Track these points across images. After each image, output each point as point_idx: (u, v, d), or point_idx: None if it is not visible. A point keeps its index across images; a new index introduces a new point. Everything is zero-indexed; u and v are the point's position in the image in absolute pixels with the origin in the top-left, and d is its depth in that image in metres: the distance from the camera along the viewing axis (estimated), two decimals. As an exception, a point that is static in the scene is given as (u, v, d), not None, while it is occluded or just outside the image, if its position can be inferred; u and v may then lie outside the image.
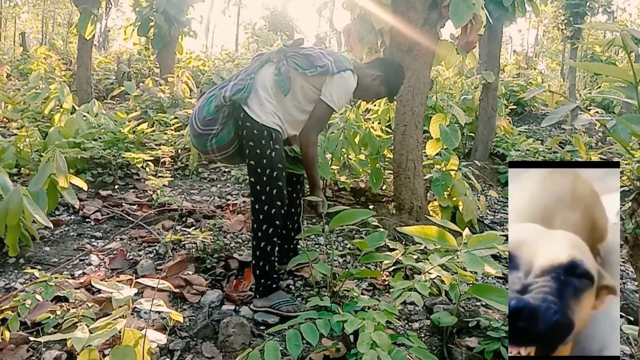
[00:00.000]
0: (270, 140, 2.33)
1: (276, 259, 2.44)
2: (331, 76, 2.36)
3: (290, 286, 2.73)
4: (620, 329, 2.41)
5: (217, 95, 2.39)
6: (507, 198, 5.03)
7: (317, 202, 2.52)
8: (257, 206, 2.36)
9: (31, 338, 1.98)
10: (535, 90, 1.79)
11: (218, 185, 4.63)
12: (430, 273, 2.07)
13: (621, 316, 2.68)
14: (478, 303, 2.59)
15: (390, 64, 2.68)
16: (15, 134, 4.55)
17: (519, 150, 5.84)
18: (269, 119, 2.34)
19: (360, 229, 3.40)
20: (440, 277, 2.19)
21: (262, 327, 2.29)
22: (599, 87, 11.10)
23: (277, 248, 2.44)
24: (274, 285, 2.42)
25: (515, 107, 8.83)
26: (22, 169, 4.10)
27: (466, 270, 2.04)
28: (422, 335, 2.30)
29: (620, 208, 1.54)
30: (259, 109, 2.33)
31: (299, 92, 2.42)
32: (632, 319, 2.62)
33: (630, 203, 1.58)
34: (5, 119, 6.04)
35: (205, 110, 2.39)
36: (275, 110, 2.37)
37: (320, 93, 2.40)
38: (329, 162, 4.02)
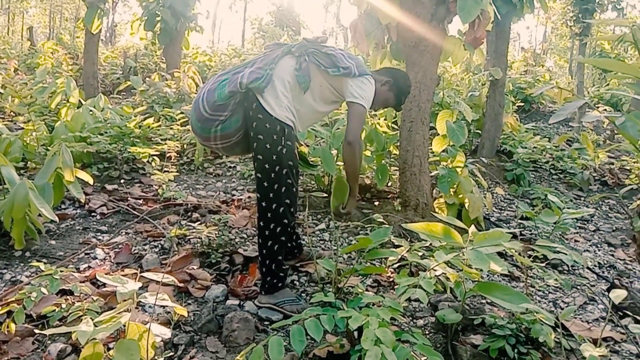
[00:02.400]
0: (283, 136, 2.25)
1: (283, 257, 2.40)
2: (352, 79, 2.32)
3: (295, 282, 2.73)
4: (627, 328, 2.40)
5: (230, 80, 2.28)
6: (513, 195, 5.00)
7: (348, 210, 2.49)
8: (263, 204, 2.29)
9: (36, 331, 1.99)
10: (544, 87, 1.77)
11: (223, 181, 4.63)
12: (435, 270, 2.06)
13: (627, 315, 2.66)
14: (483, 300, 2.58)
15: (398, 72, 2.68)
16: (22, 128, 4.58)
17: (526, 148, 5.80)
18: (283, 113, 2.27)
19: (365, 225, 3.39)
20: (445, 274, 2.18)
21: (266, 323, 2.29)
22: (608, 84, 11.01)
23: (285, 246, 2.40)
24: (280, 284, 2.39)
25: (522, 104, 8.77)
26: (29, 162, 4.12)
27: (472, 268, 2.03)
28: (427, 332, 2.30)
29: (629, 206, 1.53)
30: (274, 102, 2.25)
31: (317, 90, 2.37)
32: (639, 318, 2.60)
33: (638, 201, 1.57)
34: (12, 113, 6.07)
35: (217, 94, 2.27)
36: (289, 105, 2.30)
37: (337, 94, 2.39)
38: (335, 158, 4.01)
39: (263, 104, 2.24)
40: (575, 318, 2.67)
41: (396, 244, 2.65)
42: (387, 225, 2.96)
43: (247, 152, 2.52)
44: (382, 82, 2.55)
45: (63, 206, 3.56)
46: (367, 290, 2.65)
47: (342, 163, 2.45)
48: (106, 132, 4.67)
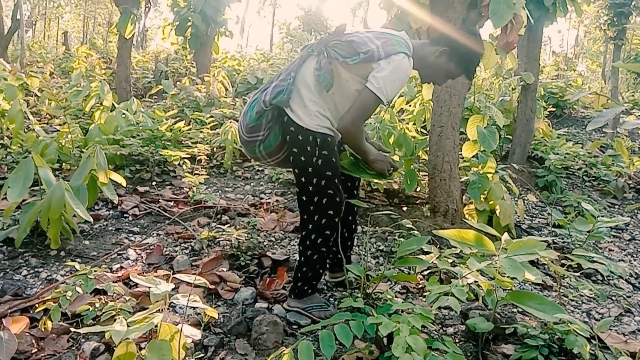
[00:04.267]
0: (317, 147, 2.12)
1: (323, 268, 2.34)
2: (377, 62, 2.06)
3: (323, 286, 2.72)
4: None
5: (259, 99, 2.21)
6: (545, 202, 4.91)
7: (383, 160, 2.26)
8: (305, 216, 2.23)
9: (71, 329, 2.03)
10: (581, 93, 1.73)
11: (252, 184, 4.66)
12: (467, 278, 2.03)
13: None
14: (515, 310, 2.52)
15: (456, 35, 2.25)
16: (58, 130, 4.70)
17: (558, 154, 5.68)
18: (314, 122, 2.12)
19: (394, 231, 3.37)
20: (477, 282, 2.15)
21: (294, 327, 2.30)
22: (643, 89, 10.72)
23: (327, 257, 2.33)
24: (310, 290, 2.36)
25: (554, 109, 8.60)
26: (64, 164, 4.23)
27: (504, 276, 2.00)
28: (457, 340, 2.26)
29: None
30: (302, 112, 2.13)
31: (346, 85, 2.13)
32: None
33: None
34: (48, 116, 6.24)
35: (248, 117, 2.23)
36: (321, 111, 2.14)
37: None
38: (363, 163, 4.00)
39: (292, 116, 2.13)
40: (611, 330, 2.59)
41: (425, 250, 2.63)
42: (415, 231, 2.95)
43: None
44: (436, 53, 2.22)
45: (97, 207, 3.64)
46: (395, 296, 2.63)
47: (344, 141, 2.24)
48: (138, 135, 4.76)
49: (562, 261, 3.19)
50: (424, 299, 2.34)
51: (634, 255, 3.91)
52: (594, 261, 2.23)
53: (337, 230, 2.28)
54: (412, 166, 4.05)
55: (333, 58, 2.12)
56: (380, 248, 3.29)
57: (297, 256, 3.02)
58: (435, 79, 2.36)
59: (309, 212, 2.21)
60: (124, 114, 4.97)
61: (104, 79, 7.21)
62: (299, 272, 2.32)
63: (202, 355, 1.99)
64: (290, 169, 2.33)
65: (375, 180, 2.49)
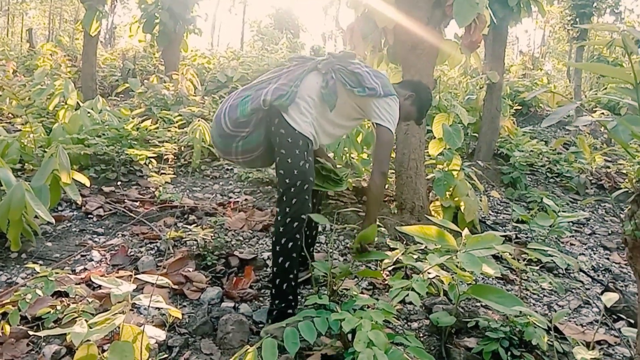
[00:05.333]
0: (305, 151, 2.23)
1: (295, 279, 2.30)
2: (378, 99, 2.30)
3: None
4: (620, 332, 2.41)
5: (253, 96, 2.27)
6: (509, 199, 5.02)
7: (369, 243, 2.37)
8: (279, 217, 2.25)
9: (31, 332, 1.99)
10: (537, 91, 1.78)
11: (221, 183, 4.64)
12: (429, 272, 2.07)
13: (621, 318, 2.68)
14: (477, 303, 2.58)
15: (420, 85, 2.66)
16: (20, 130, 4.58)
17: (522, 151, 5.82)
18: (307, 127, 2.25)
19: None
20: (439, 277, 2.19)
21: (260, 325, 2.30)
22: (605, 88, 11.04)
23: (296, 267, 2.29)
24: (289, 310, 2.27)
25: (520, 107, 8.78)
26: (26, 164, 4.12)
27: (465, 271, 2.04)
28: (421, 334, 2.30)
29: (620, 210, 1.54)
30: (297, 117, 2.24)
31: (340, 107, 2.33)
32: (632, 321, 2.61)
33: (630, 205, 1.58)
34: (10, 115, 6.08)
35: (239, 110, 2.27)
36: (313, 121, 2.29)
37: (360, 111, 2.37)
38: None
39: (287, 119, 2.22)
40: (570, 321, 2.68)
41: (392, 246, 2.66)
42: (382, 228, 2.98)
43: (267, 165, 2.54)
44: (405, 96, 2.53)
45: (60, 208, 3.57)
46: (362, 292, 2.66)
47: (368, 189, 2.41)
48: (104, 134, 4.68)
49: (524, 255, 3.27)
50: (389, 295, 2.37)
51: (594, 249, 4.04)
52: (550, 255, 2.29)
53: (303, 236, 2.32)
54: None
55: (340, 82, 2.31)
56: (348, 245, 3.31)
57: (265, 255, 3.04)
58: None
59: (285, 213, 2.23)
60: (88, 112, 4.88)
61: (69, 77, 7.06)
62: (274, 286, 2.28)
63: (166, 355, 1.97)
64: (253, 167, 2.40)
65: (324, 189, 2.64)
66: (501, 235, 1.98)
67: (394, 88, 2.46)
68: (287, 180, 2.22)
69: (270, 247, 2.33)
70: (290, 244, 2.24)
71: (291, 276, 2.28)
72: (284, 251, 2.24)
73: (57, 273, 2.22)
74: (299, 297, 2.38)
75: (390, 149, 2.42)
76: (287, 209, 2.22)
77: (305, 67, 2.37)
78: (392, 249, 2.65)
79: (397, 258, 2.42)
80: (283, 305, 2.27)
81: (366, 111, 2.36)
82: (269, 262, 2.95)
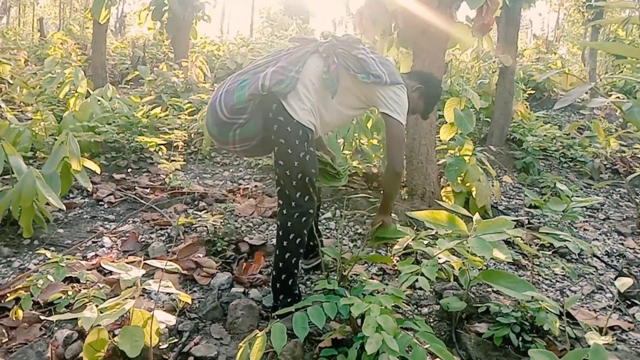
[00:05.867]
0: (306, 141, 2.10)
1: (299, 271, 2.25)
2: (383, 88, 2.17)
3: (301, 269, 2.73)
4: (634, 317, 2.38)
5: (251, 81, 2.12)
6: (522, 184, 4.96)
7: (385, 224, 2.34)
8: (284, 211, 2.16)
9: (43, 317, 2.01)
10: (549, 72, 1.73)
11: (230, 170, 4.64)
12: (439, 258, 2.05)
13: (635, 304, 2.65)
14: (488, 289, 2.56)
15: (429, 77, 2.52)
16: (31, 118, 4.61)
17: (536, 136, 5.74)
18: (306, 116, 2.11)
19: (371, 214, 3.38)
20: (450, 262, 2.17)
21: (269, 310, 2.30)
22: (621, 71, 10.84)
23: (300, 259, 2.24)
24: (290, 300, 2.21)
25: (533, 92, 8.65)
26: (37, 152, 4.15)
27: (476, 256, 2.02)
28: (431, 320, 2.29)
29: (635, 195, 1.50)
30: (296, 104, 2.09)
31: (343, 93, 2.20)
32: (646, 306, 2.58)
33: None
34: (21, 103, 6.11)
35: (236, 96, 2.11)
36: (312, 108, 2.14)
37: (364, 100, 2.25)
38: (342, 147, 4.00)
39: (285, 106, 2.08)
40: (583, 307, 2.65)
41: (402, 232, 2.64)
42: (393, 214, 2.96)
43: (267, 153, 2.43)
44: (413, 88, 2.39)
45: (71, 195, 3.59)
46: (372, 278, 2.65)
47: (384, 184, 2.33)
48: (114, 122, 4.70)
49: (537, 241, 3.24)
50: (398, 280, 2.36)
51: (608, 234, 3.98)
52: (562, 239, 2.26)
53: (312, 230, 2.25)
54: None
55: (342, 67, 2.17)
56: (358, 231, 3.30)
57: (274, 241, 3.03)
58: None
59: (289, 207, 2.15)
60: (99, 100, 4.89)
61: (79, 66, 7.05)
62: (277, 281, 2.22)
63: (176, 340, 1.98)
64: (251, 157, 2.31)
65: (332, 185, 2.60)
66: (513, 221, 1.96)
67: (403, 78, 2.34)
68: (287, 172, 2.12)
69: (275, 239, 2.23)
70: (298, 239, 2.17)
71: (295, 271, 2.22)
72: (291, 247, 2.17)
73: (68, 259, 2.24)
74: (309, 281, 2.38)
75: (403, 144, 2.27)
76: (293, 204, 2.14)
77: (307, 49, 2.23)
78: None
79: (408, 244, 2.41)
80: (289, 300, 2.19)
81: (372, 100, 2.23)
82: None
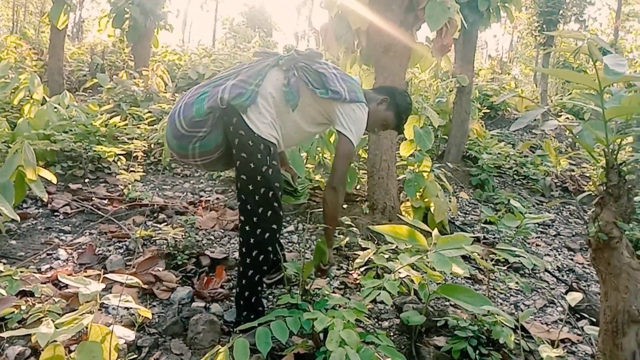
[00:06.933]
0: (268, 155, 2.07)
1: (262, 287, 2.22)
2: (342, 104, 2.15)
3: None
4: (583, 330, 2.48)
5: (210, 94, 2.10)
6: (477, 200, 5.12)
7: (328, 266, 2.35)
8: (247, 228, 2.10)
9: (-6, 333, 1.93)
10: (506, 95, 1.82)
11: (191, 181, 4.59)
12: (400, 272, 2.09)
13: (584, 317, 2.76)
14: (447, 303, 2.63)
15: (395, 89, 2.49)
16: (-18, 124, 4.43)
17: (490, 154, 5.95)
18: (267, 130, 2.09)
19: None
20: (410, 276, 2.22)
21: (232, 325, 2.28)
22: (570, 93, 11.36)
23: (264, 275, 2.21)
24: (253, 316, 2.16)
25: (488, 110, 8.97)
26: (-11, 160, 3.99)
27: (435, 270, 2.07)
28: (392, 333, 2.33)
29: (584, 213, 1.59)
30: (256, 118, 2.07)
31: (304, 108, 2.18)
32: (594, 320, 2.70)
33: (594, 207, 1.63)
34: (-29, 109, 5.86)
35: (194, 109, 2.09)
36: (273, 122, 2.12)
37: (325, 116, 2.22)
38: (304, 161, 4.02)
39: (246, 121, 2.06)
40: (535, 320, 2.75)
41: (363, 246, 2.68)
42: (354, 228, 3.01)
43: (229, 167, 2.40)
44: (378, 100, 2.36)
45: (25, 205, 3.47)
46: (334, 292, 2.67)
47: (323, 202, 2.27)
48: (71, 130, 4.57)
49: (492, 256, 3.34)
50: (360, 294, 2.39)
51: (559, 250, 4.15)
52: (517, 255, 2.35)
53: (275, 246, 2.19)
54: (352, 165, 4.11)
55: (302, 81, 2.15)
56: (320, 245, 3.32)
57: (236, 254, 3.02)
58: (373, 126, 2.39)
59: (252, 224, 2.10)
60: (55, 108, 4.75)
61: (35, 71, 6.86)
62: (241, 298, 2.19)
63: (135, 356, 1.94)
64: (214, 171, 2.28)
65: (292, 202, 2.61)
66: (470, 236, 2.02)
67: (368, 93, 2.36)
68: (250, 187, 2.07)
69: (239, 255, 2.19)
70: (262, 256, 2.12)
71: (259, 288, 2.19)
72: (255, 264, 2.12)
73: (22, 272, 2.17)
74: (271, 296, 2.37)
75: (347, 162, 2.23)
76: (255, 219, 2.08)
77: (267, 62, 2.21)
78: (364, 249, 2.67)
79: (369, 258, 2.45)
80: (252, 316, 2.13)
81: (331, 117, 2.21)
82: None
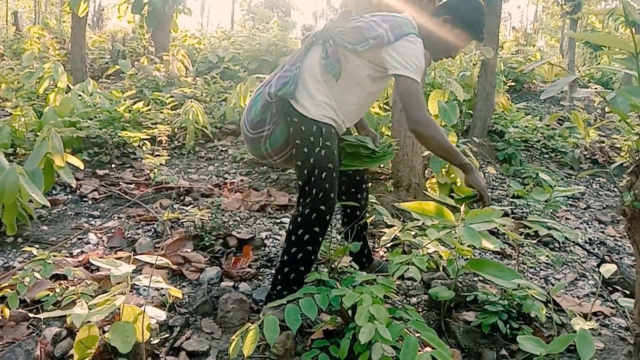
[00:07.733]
0: (320, 137, 2.03)
1: (307, 270, 2.16)
2: (387, 47, 1.99)
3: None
4: (617, 302, 2.43)
5: (262, 93, 2.13)
6: (504, 175, 5.03)
7: (480, 190, 2.12)
8: (299, 208, 2.09)
9: (31, 315, 1.99)
10: (535, 63, 1.74)
11: (215, 164, 4.61)
12: (428, 248, 2.07)
13: (617, 290, 2.71)
14: (475, 278, 2.60)
15: (457, 1, 2.19)
16: (10, 114, 4.52)
17: (517, 127, 5.81)
18: (319, 112, 2.05)
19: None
20: (438, 252, 2.19)
21: (261, 304, 2.30)
22: (598, 63, 11.03)
23: (312, 260, 2.15)
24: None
25: (514, 84, 8.76)
26: (18, 148, 4.08)
27: (464, 245, 2.05)
28: (420, 309, 2.32)
29: (619, 182, 1.54)
30: (308, 102, 2.05)
31: (356, 71, 2.08)
32: (628, 292, 2.64)
33: (628, 176, 1.58)
34: (-1, 99, 5.99)
35: (252, 112, 2.14)
36: (327, 101, 2.07)
37: (379, 68, 2.08)
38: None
39: (296, 107, 2.05)
40: (566, 294, 2.71)
41: (389, 224, 2.66)
42: (379, 206, 2.98)
43: None
44: (440, 24, 2.15)
45: (54, 192, 3.54)
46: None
47: (426, 147, 2.13)
48: (96, 117, 4.63)
49: (521, 230, 3.29)
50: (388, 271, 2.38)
51: (589, 223, 4.07)
52: (549, 227, 2.30)
53: (326, 229, 2.14)
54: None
55: (340, 46, 2.06)
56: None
57: (263, 235, 3.03)
58: (446, 52, 2.23)
59: (303, 204, 2.08)
60: (79, 95, 4.82)
61: (58, 60, 6.94)
62: (280, 273, 2.16)
63: (167, 335, 1.98)
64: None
65: (354, 167, 2.43)
66: (499, 210, 1.99)
67: (425, 22, 2.16)
68: (305, 171, 2.05)
69: (283, 232, 2.22)
70: (307, 236, 2.08)
71: (302, 268, 2.14)
72: (298, 242, 2.10)
73: (54, 256, 2.21)
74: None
75: (419, 99, 2.01)
76: (307, 200, 2.06)
77: (304, 45, 2.17)
78: (390, 226, 2.66)
79: (395, 235, 2.43)
80: (285, 293, 2.11)
81: (381, 64, 2.05)
82: (267, 242, 2.95)
